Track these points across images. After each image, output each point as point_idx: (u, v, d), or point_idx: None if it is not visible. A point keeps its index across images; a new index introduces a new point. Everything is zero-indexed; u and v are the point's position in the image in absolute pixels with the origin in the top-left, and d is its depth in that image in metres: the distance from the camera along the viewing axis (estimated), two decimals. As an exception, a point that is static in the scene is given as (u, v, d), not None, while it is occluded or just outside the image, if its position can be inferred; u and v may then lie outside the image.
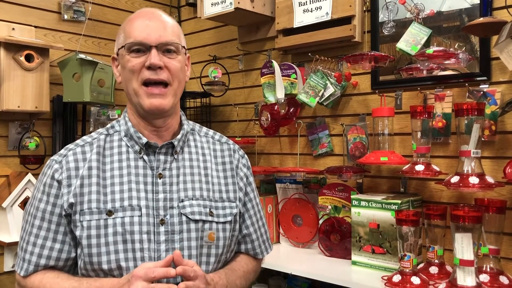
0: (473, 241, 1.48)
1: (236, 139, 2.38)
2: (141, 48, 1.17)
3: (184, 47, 1.24)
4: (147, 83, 1.17)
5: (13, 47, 2.15)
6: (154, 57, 1.15)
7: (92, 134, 1.28)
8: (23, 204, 2.18)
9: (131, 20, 1.22)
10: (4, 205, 2.13)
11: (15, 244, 2.12)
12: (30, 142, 2.29)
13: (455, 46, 1.80)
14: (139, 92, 1.17)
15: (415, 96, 1.93)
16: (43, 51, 2.25)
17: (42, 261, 1.17)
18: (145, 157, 1.22)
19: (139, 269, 1.06)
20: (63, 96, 2.38)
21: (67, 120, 2.45)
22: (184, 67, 1.25)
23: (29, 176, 2.20)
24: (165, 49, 1.18)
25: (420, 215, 1.69)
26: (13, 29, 2.22)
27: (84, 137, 1.27)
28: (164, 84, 1.18)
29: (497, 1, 1.70)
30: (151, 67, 1.16)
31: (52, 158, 1.23)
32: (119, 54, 1.22)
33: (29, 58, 2.20)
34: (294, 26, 2.20)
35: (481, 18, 1.58)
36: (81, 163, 1.20)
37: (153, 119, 1.21)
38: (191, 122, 1.36)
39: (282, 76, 2.22)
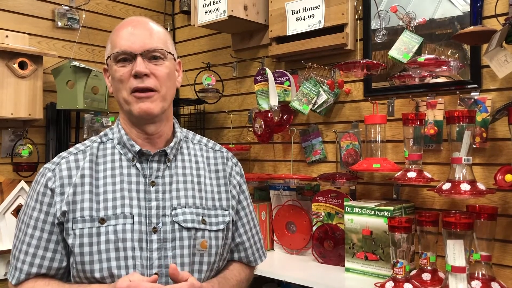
0: (465, 248, 1.49)
1: (230, 146, 2.39)
2: (127, 57, 1.17)
3: (170, 52, 1.23)
4: (135, 91, 1.17)
5: (6, 55, 2.15)
6: (140, 65, 1.15)
7: (85, 142, 1.28)
8: (16, 212, 2.17)
9: (117, 30, 1.21)
10: (-4, 212, 2.12)
11: (7, 252, 2.11)
12: (23, 150, 2.28)
13: (448, 53, 1.82)
14: (129, 100, 1.17)
15: (407, 103, 1.94)
16: (36, 59, 2.25)
17: (33, 270, 1.17)
18: (138, 165, 1.22)
19: (123, 281, 1.06)
20: (57, 103, 2.38)
21: (60, 128, 2.44)
22: (173, 72, 1.24)
23: (22, 184, 2.19)
24: (151, 56, 1.18)
25: (413, 221, 1.70)
26: (7, 36, 2.22)
27: (77, 145, 1.27)
28: (152, 90, 1.17)
29: (487, 10, 1.72)
30: (137, 75, 1.16)
31: (45, 166, 1.22)
32: (108, 64, 1.22)
33: (22, 66, 2.20)
34: (287, 34, 2.21)
35: (471, 27, 1.60)
36: (74, 171, 1.20)
37: (144, 124, 1.21)
38: (184, 130, 1.36)
39: (276, 83, 2.24)
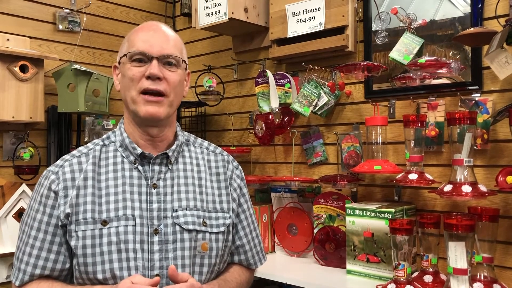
0: (467, 250, 1.49)
1: (231, 148, 2.39)
2: (143, 58, 1.19)
3: (185, 61, 1.26)
4: (145, 92, 1.19)
5: (7, 58, 2.15)
6: (154, 67, 1.18)
7: (88, 145, 1.29)
8: (17, 215, 2.17)
9: (137, 30, 1.24)
10: (-2, 215, 2.12)
11: (9, 255, 2.11)
12: (25, 153, 2.29)
13: (449, 54, 1.82)
14: (137, 100, 1.19)
15: (408, 105, 1.94)
16: (37, 62, 2.25)
17: (37, 271, 1.18)
18: (140, 168, 1.23)
19: (125, 283, 1.07)
20: (58, 106, 2.39)
21: (61, 130, 2.45)
22: (183, 81, 1.26)
23: (24, 187, 2.19)
24: (166, 61, 1.21)
25: (414, 223, 1.69)
26: (8, 39, 2.22)
27: (80, 148, 1.28)
28: (161, 94, 1.19)
29: (488, 11, 1.72)
30: (150, 77, 1.18)
31: (48, 169, 1.24)
32: (121, 62, 1.24)
33: (23, 69, 2.21)
34: (288, 36, 2.21)
35: (472, 28, 1.59)
36: (77, 173, 1.21)
37: (148, 126, 1.23)
38: (186, 133, 1.37)
39: (276, 85, 2.24)
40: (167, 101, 1.20)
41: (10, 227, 2.15)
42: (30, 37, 2.36)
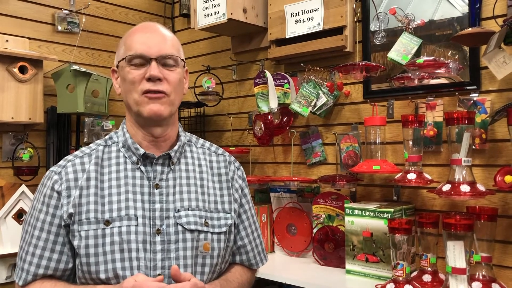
0: (465, 249, 1.50)
1: (230, 148, 2.39)
2: (142, 61, 1.20)
3: (183, 60, 1.27)
4: (147, 93, 1.19)
5: (7, 59, 2.15)
6: (154, 69, 1.18)
7: (91, 145, 1.30)
8: (17, 216, 2.17)
9: (132, 33, 1.24)
10: (-3, 216, 2.12)
11: (9, 256, 2.11)
12: (24, 154, 2.29)
13: (448, 54, 1.83)
14: (140, 101, 1.20)
15: (406, 105, 1.95)
16: (37, 63, 2.26)
17: (40, 271, 1.19)
18: (142, 168, 1.24)
19: (128, 282, 1.08)
20: (57, 107, 2.39)
21: (61, 131, 2.45)
22: (182, 79, 1.27)
23: (23, 188, 2.19)
24: (165, 61, 1.21)
25: (413, 223, 1.70)
26: (7, 41, 2.23)
27: (83, 148, 1.29)
28: (163, 93, 1.20)
29: (486, 11, 1.73)
30: (151, 79, 1.18)
31: (51, 169, 1.25)
32: (119, 66, 1.24)
33: (23, 70, 2.21)
34: (287, 37, 2.22)
35: (470, 29, 1.60)
36: (80, 174, 1.22)
37: (151, 126, 1.23)
38: (188, 134, 1.38)
39: (275, 86, 2.24)
40: (169, 100, 1.21)
41: (10, 228, 2.15)
42: (29, 38, 2.36)
